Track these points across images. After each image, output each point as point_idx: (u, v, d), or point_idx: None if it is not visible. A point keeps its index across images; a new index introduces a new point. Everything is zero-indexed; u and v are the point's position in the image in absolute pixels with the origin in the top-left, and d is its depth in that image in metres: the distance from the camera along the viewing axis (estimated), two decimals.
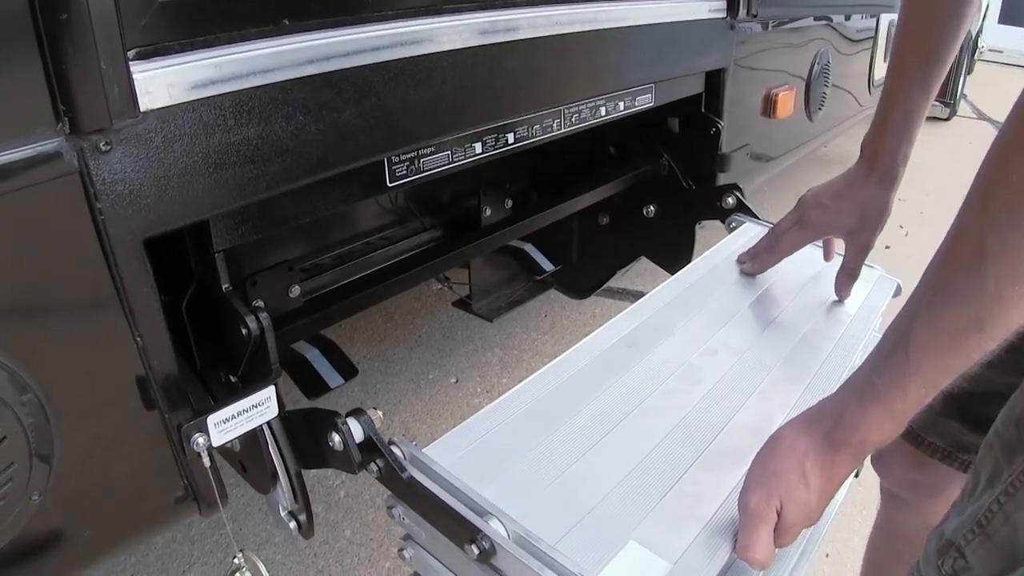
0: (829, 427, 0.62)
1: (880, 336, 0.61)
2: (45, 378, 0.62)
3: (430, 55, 0.82)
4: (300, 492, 0.83)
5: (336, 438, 0.70)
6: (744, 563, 0.66)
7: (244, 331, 0.74)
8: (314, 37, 0.72)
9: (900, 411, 0.58)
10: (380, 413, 0.72)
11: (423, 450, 0.72)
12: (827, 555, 1.57)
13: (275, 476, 0.82)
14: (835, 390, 0.66)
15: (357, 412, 0.71)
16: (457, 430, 0.77)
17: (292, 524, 0.84)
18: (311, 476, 0.86)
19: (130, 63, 0.60)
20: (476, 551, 0.63)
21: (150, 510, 0.76)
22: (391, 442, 0.71)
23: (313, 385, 1.25)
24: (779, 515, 0.64)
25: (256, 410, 0.73)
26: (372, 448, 0.70)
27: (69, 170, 0.58)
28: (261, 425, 0.76)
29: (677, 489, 0.73)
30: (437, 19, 0.83)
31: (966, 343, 0.53)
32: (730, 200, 1.38)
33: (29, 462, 0.62)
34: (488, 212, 1.45)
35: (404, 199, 1.46)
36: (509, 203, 1.50)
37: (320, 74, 0.73)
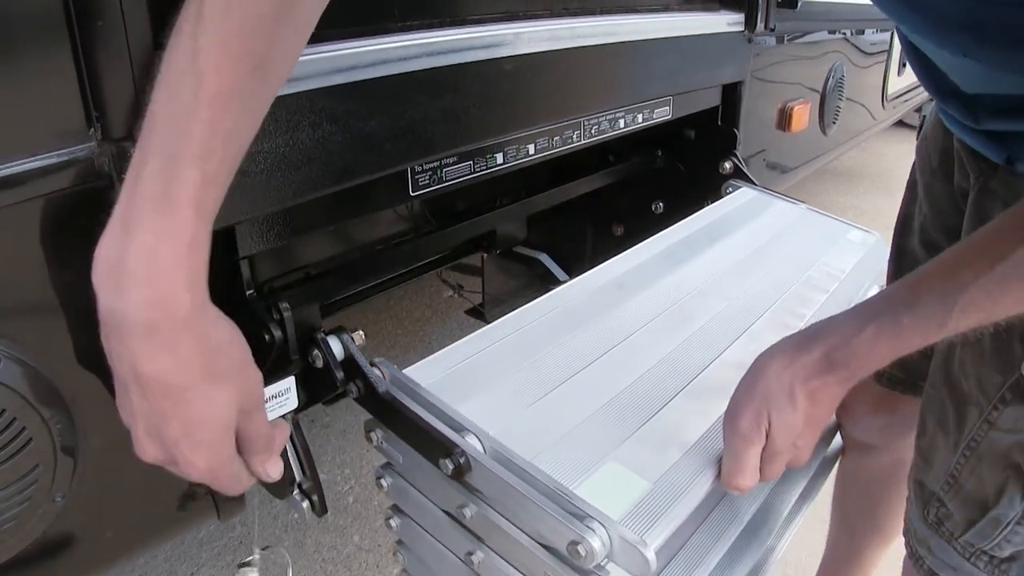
0: (831, 346, 0.59)
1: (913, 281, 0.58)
2: (70, 379, 0.62)
3: (456, 66, 0.83)
4: (309, 467, 0.81)
5: (316, 354, 0.68)
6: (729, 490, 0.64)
7: (267, 338, 0.74)
8: (341, 47, 0.73)
9: (906, 350, 0.57)
10: (362, 333, 0.70)
11: (404, 371, 0.70)
12: None
13: (292, 481, 0.82)
14: (834, 314, 0.63)
15: (338, 330, 0.70)
16: (440, 353, 0.75)
17: (305, 503, 0.83)
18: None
19: None
20: (451, 466, 0.61)
21: (169, 512, 0.76)
22: (372, 363, 0.69)
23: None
24: (767, 439, 0.61)
25: (275, 400, 0.72)
26: (353, 367, 0.68)
27: (100, 175, 0.59)
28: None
29: (660, 416, 0.70)
30: (463, 31, 0.84)
31: (1018, 308, 0.52)
32: (727, 165, 1.30)
33: (54, 463, 0.62)
34: None
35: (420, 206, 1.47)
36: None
37: (347, 84, 0.73)
